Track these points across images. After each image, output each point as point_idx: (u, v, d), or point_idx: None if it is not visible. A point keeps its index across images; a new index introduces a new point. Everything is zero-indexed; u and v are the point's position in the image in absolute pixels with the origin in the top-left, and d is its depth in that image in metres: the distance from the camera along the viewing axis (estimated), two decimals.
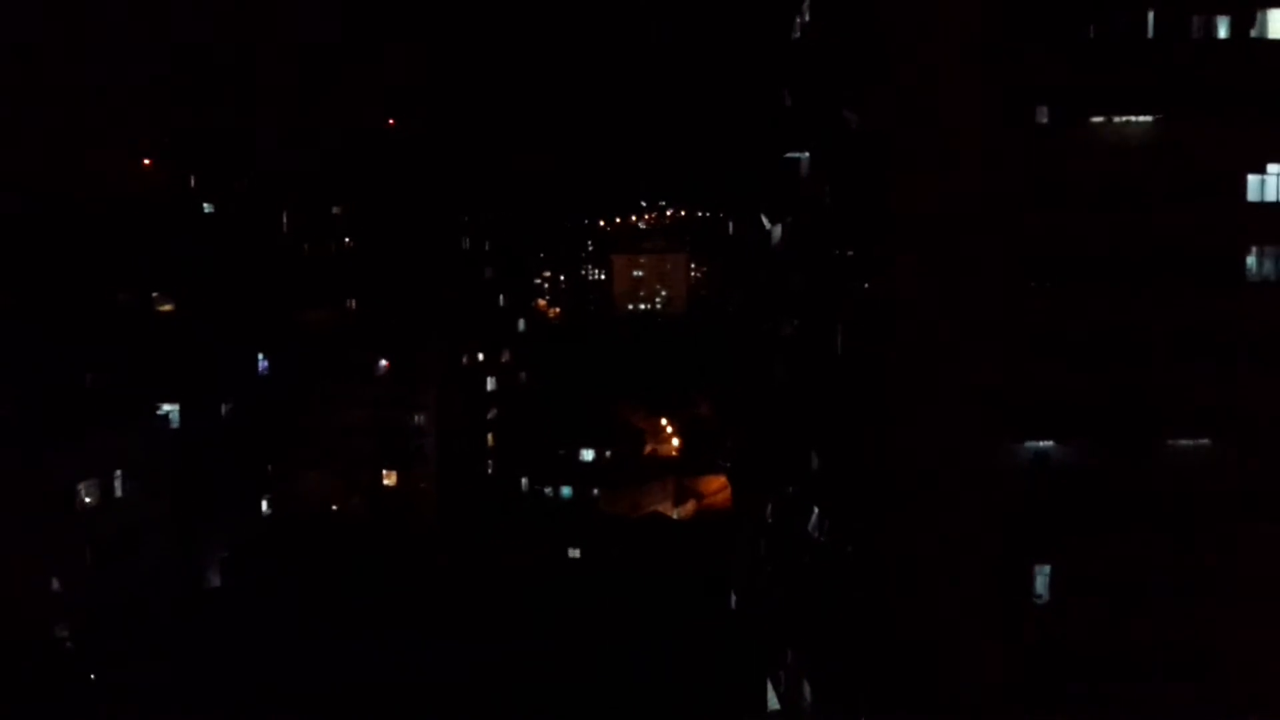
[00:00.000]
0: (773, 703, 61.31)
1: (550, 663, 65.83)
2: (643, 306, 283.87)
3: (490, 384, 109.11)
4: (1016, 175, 39.58)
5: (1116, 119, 39.92)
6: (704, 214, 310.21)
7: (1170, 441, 40.47)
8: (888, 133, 39.90)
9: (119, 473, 55.91)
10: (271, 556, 77.46)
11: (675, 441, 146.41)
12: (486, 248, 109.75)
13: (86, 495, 54.54)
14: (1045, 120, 40.03)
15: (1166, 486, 40.23)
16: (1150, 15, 39.84)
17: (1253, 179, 40.22)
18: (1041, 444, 40.44)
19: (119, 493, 56.07)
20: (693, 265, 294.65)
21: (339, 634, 66.49)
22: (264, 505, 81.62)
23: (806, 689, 52.80)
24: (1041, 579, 40.86)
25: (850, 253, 43.90)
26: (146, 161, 73.61)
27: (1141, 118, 39.89)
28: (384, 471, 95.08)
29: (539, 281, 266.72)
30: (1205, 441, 40.56)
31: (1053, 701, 40.84)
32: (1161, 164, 39.67)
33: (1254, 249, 40.50)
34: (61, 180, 66.88)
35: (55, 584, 53.27)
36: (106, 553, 55.15)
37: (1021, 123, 39.85)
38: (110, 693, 53.38)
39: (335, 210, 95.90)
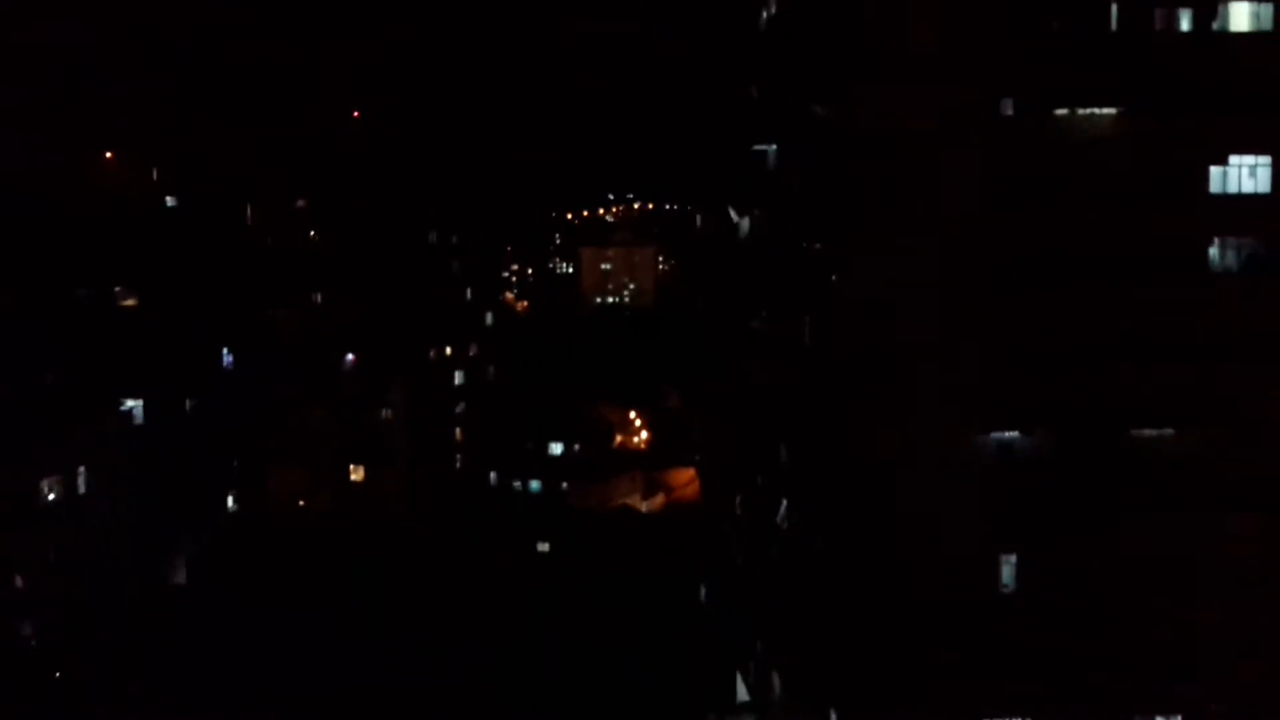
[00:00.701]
0: (742, 694, 61.49)
1: (517, 657, 65.83)
2: (611, 299, 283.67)
3: (458, 378, 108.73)
4: (984, 168, 39.76)
5: (1082, 112, 40.12)
6: (672, 207, 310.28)
7: (1137, 432, 40.75)
8: (855, 125, 39.98)
9: (82, 470, 55.41)
10: (238, 554, 76.98)
11: (644, 434, 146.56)
12: (453, 241, 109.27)
13: (49, 493, 54.00)
14: (1011, 113, 40.23)
15: (1133, 477, 40.55)
16: (1114, 10, 40.10)
17: (1215, 170, 40.59)
18: (1008, 435, 40.66)
19: (82, 490, 55.56)
20: (661, 258, 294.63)
21: (306, 632, 66.21)
22: (231, 502, 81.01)
23: (776, 680, 52.98)
24: (1008, 569, 41.11)
25: (818, 245, 43.98)
26: (108, 155, 72.84)
27: (1106, 110, 40.13)
28: (352, 467, 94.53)
29: (507, 275, 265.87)
30: (1169, 432, 40.91)
31: (1019, 693, 41.14)
32: (1126, 158, 39.93)
33: (1216, 241, 40.84)
34: (18, 174, 66.04)
35: (18, 582, 52.78)
36: (70, 551, 54.65)
37: (989, 115, 40.04)
38: (75, 692, 52.96)
39: (300, 204, 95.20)
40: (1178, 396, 40.38)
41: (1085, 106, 40.09)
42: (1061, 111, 40.26)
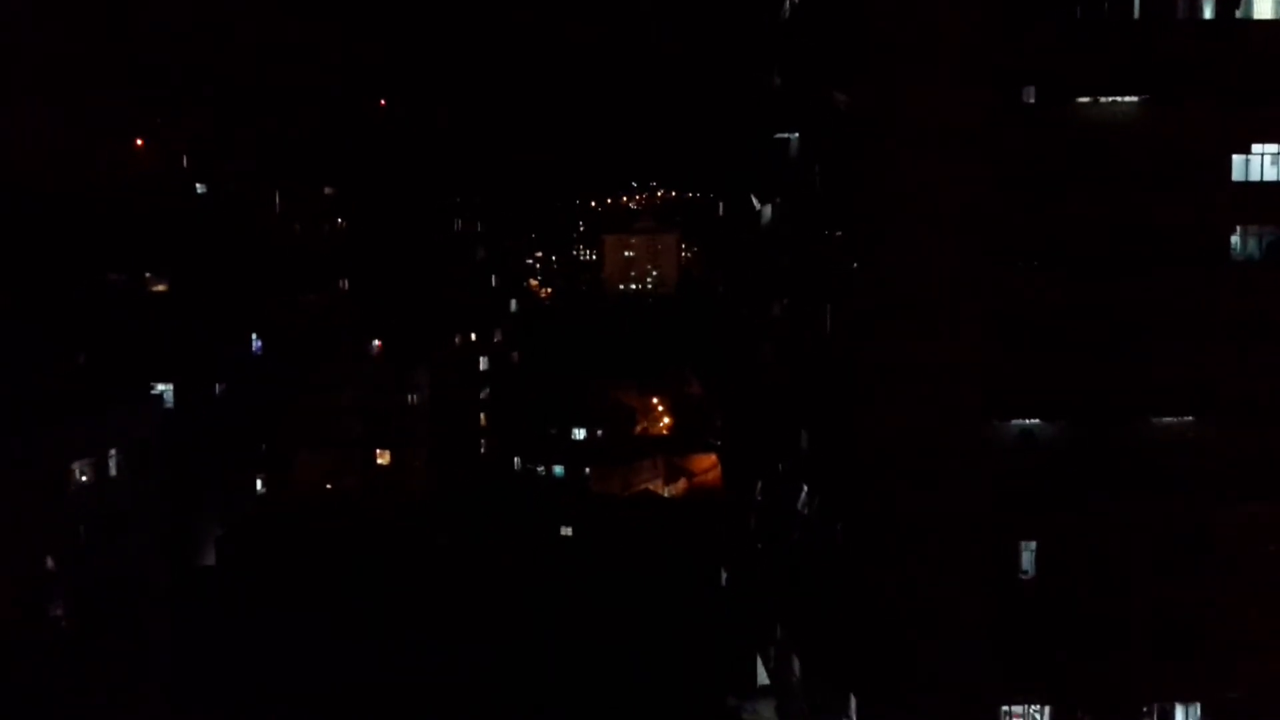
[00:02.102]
0: (762, 678, 61.88)
1: (543, 639, 66.39)
2: (634, 286, 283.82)
3: (483, 364, 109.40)
4: (1004, 156, 39.89)
5: (1101, 100, 40.17)
6: (695, 195, 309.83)
7: (1153, 420, 40.89)
8: (877, 114, 40.20)
9: (113, 452, 56.02)
10: (265, 535, 77.82)
11: (666, 420, 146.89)
12: (479, 228, 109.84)
13: (80, 474, 54.68)
14: (1032, 101, 40.33)
15: (1148, 464, 40.68)
16: None
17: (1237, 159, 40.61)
18: (1028, 422, 40.88)
19: (113, 472, 56.19)
20: (683, 245, 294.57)
21: (331, 614, 66.99)
22: (258, 484, 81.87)
23: (796, 664, 53.34)
24: (1028, 555, 41.34)
25: (839, 233, 44.22)
26: (139, 142, 73.56)
27: (1126, 98, 40.17)
28: (378, 451, 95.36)
29: (531, 262, 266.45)
30: (1188, 419, 41.02)
31: (1036, 679, 41.41)
32: (1149, 146, 39.97)
33: (1237, 229, 40.89)
34: (52, 160, 66.83)
35: (49, 563, 53.47)
36: (100, 531, 55.32)
37: (1009, 103, 40.15)
38: (105, 669, 53.70)
39: (327, 191, 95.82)
40: (1193, 384, 40.50)
41: (1107, 95, 40.12)
42: (1083, 100, 40.32)
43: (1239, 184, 40.62)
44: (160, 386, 67.06)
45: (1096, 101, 40.22)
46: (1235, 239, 41.01)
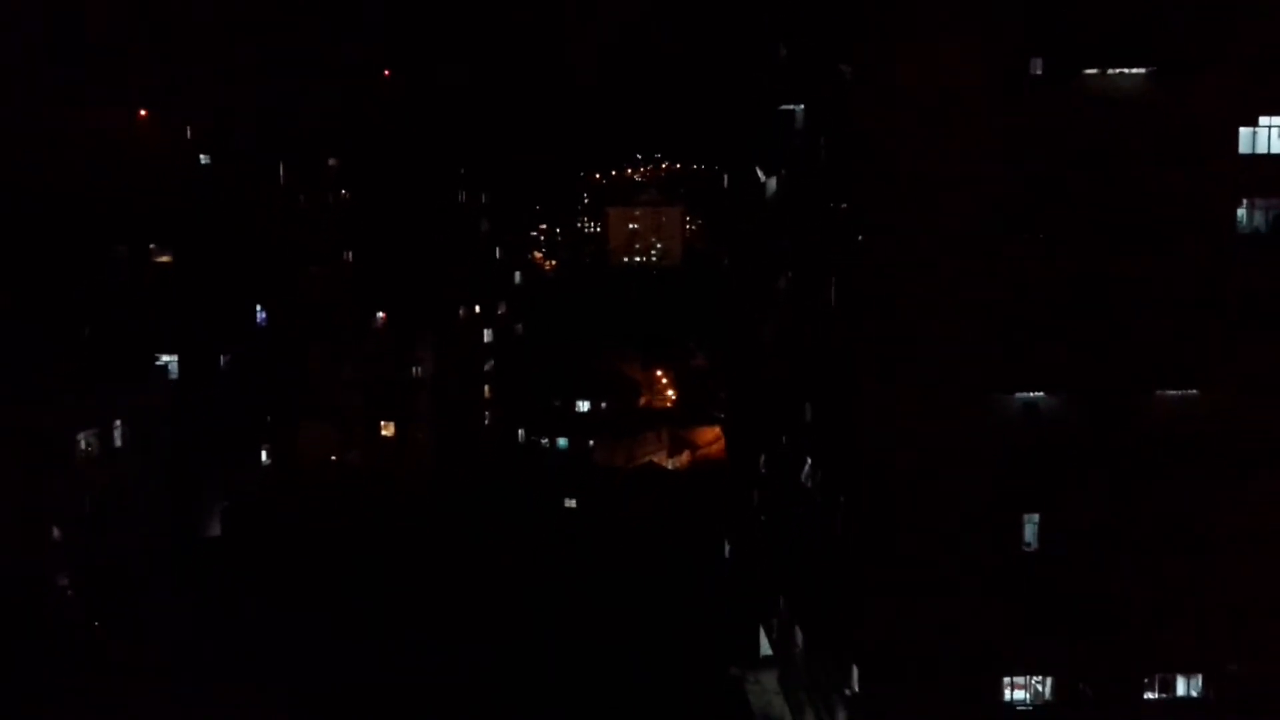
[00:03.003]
0: (765, 649, 62.21)
1: (546, 610, 66.70)
2: (638, 259, 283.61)
3: (487, 336, 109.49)
4: (1010, 128, 39.74)
5: (1108, 72, 39.98)
6: (699, 167, 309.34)
7: (1156, 393, 40.90)
8: (882, 85, 40.04)
9: (118, 423, 56.28)
10: (270, 506, 78.09)
11: (670, 393, 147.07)
12: (482, 200, 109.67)
13: (86, 445, 54.95)
14: (1039, 72, 40.13)
15: (1151, 436, 40.73)
16: None
17: (1245, 132, 40.42)
18: (1031, 395, 40.90)
19: (118, 443, 56.47)
20: (688, 218, 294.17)
21: (335, 587, 67.33)
22: (263, 456, 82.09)
23: (798, 635, 53.62)
24: (1030, 527, 41.45)
25: (844, 205, 44.15)
26: (142, 113, 73.37)
27: (1133, 70, 39.98)
28: (381, 423, 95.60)
29: (535, 234, 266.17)
30: (1192, 393, 41.02)
31: (1038, 652, 41.59)
32: (1151, 118, 39.82)
33: (1244, 202, 40.75)
34: (58, 129, 66.72)
35: (55, 532, 53.83)
36: (106, 502, 55.64)
37: (1015, 75, 39.97)
38: (110, 637, 54.08)
39: (331, 163, 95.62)
40: (1198, 357, 40.50)
41: (1114, 66, 39.93)
42: (1091, 71, 40.13)
43: (1246, 156, 40.44)
44: (165, 358, 67.20)
45: (1104, 73, 40.02)
46: (1242, 212, 40.87)
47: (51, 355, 60.13)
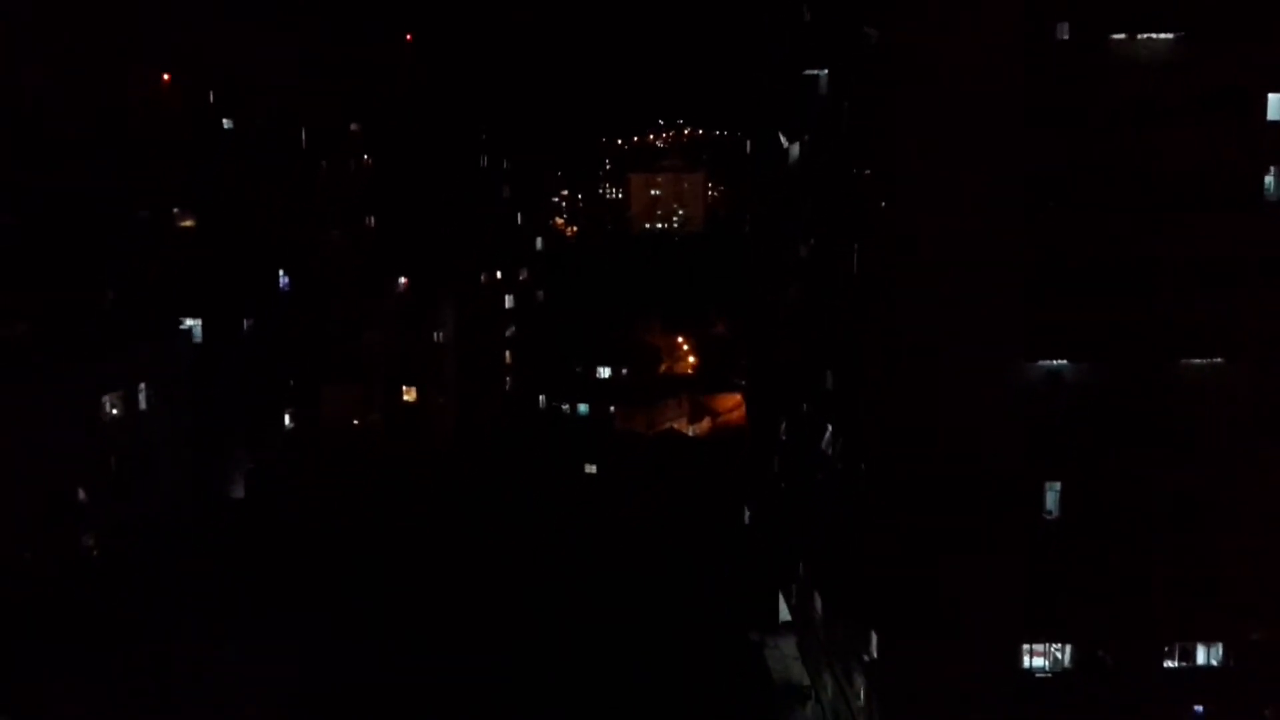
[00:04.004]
0: (784, 615, 62.51)
1: (568, 576, 67.10)
2: (660, 225, 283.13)
3: (508, 302, 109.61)
4: (1036, 93, 39.40)
5: (1136, 37, 39.56)
6: (722, 133, 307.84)
7: (1181, 362, 40.67)
8: (908, 49, 39.73)
9: (143, 386, 56.62)
10: (293, 469, 78.61)
11: (691, 359, 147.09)
12: (504, 166, 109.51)
13: (111, 408, 55.34)
14: (1066, 37, 39.75)
15: (1175, 406, 40.54)
16: None
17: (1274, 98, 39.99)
18: (1055, 364, 40.74)
19: (143, 406, 56.83)
20: (710, 184, 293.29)
21: (359, 545, 67.88)
22: (286, 419, 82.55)
23: (818, 602, 53.84)
24: (1052, 495, 41.39)
25: (868, 171, 43.92)
26: (165, 77, 73.33)
27: (1161, 35, 39.55)
28: (404, 388, 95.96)
29: (556, 200, 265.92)
30: (1217, 361, 40.78)
31: (1057, 619, 41.62)
32: (1178, 84, 39.41)
33: (1271, 170, 40.35)
34: (82, 94, 66.83)
35: (81, 494, 54.29)
36: (131, 464, 56.08)
37: (1042, 39, 39.60)
38: (137, 598, 54.61)
39: (353, 128, 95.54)
40: (1223, 327, 40.24)
41: (1141, 31, 39.49)
42: (1119, 37, 39.70)
43: (1274, 123, 40.05)
44: (189, 322, 67.51)
45: (1131, 39, 39.60)
46: (1269, 180, 40.51)
47: (77, 318, 60.48)
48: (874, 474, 43.62)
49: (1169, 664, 42.12)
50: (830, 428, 50.26)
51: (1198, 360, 40.68)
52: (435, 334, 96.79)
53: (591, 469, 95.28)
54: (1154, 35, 39.56)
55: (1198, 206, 39.87)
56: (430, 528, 72.95)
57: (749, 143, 74.54)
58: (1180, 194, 39.76)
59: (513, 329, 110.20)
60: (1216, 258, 39.90)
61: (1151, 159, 39.68)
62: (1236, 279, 39.98)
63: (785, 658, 59.80)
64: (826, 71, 50.37)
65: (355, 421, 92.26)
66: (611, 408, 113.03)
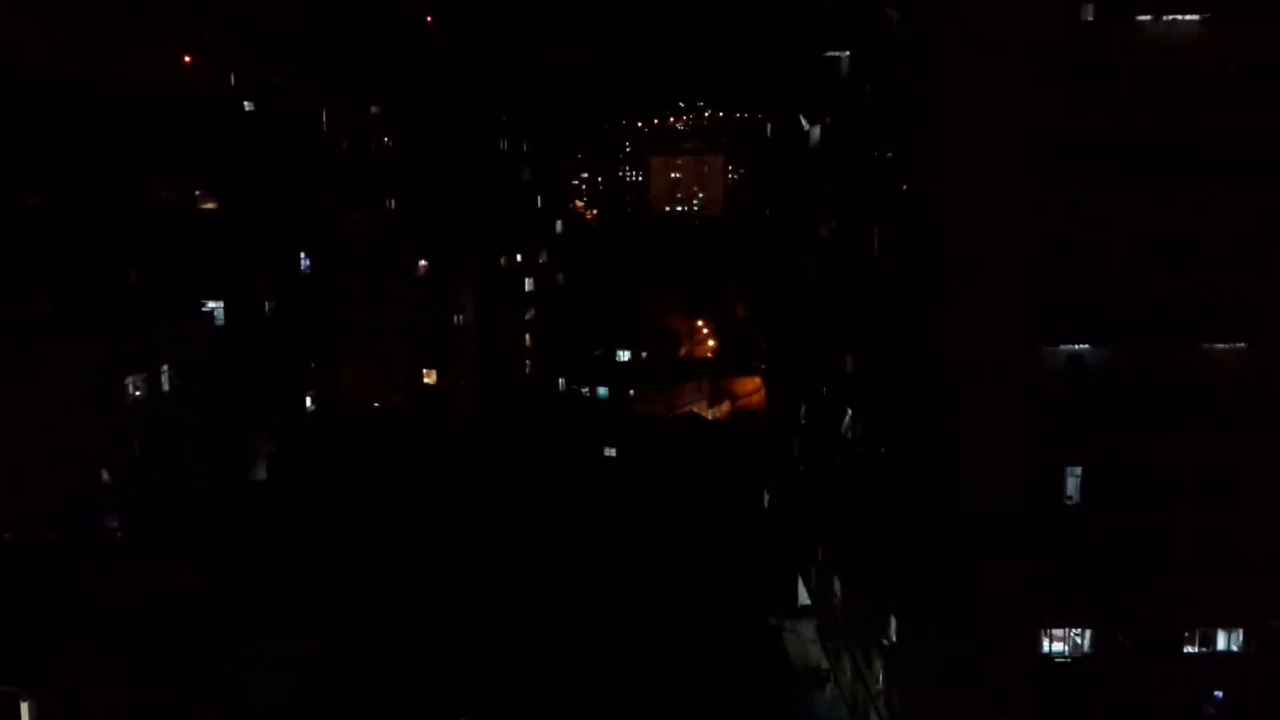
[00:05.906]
0: (803, 598, 62.56)
1: (587, 560, 67.23)
2: (680, 208, 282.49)
3: (528, 285, 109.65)
4: (1060, 75, 39.06)
5: (1166, 18, 39.18)
6: (742, 115, 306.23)
7: (1203, 345, 40.38)
8: (930, 30, 39.47)
9: (166, 368, 56.96)
10: (315, 450, 78.92)
11: (711, 343, 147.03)
12: (524, 148, 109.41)
13: (135, 389, 55.69)
14: (1091, 18, 39.40)
15: (1197, 389, 40.27)
16: None
17: None
18: (1077, 347, 40.51)
19: (166, 387, 57.18)
20: (730, 167, 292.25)
21: (381, 527, 68.13)
22: (308, 401, 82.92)
23: (837, 585, 53.85)
24: (1073, 481, 41.22)
25: (890, 154, 43.71)
26: (187, 59, 73.62)
27: (1188, 16, 39.16)
28: (424, 370, 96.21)
29: (576, 183, 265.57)
30: (1239, 345, 40.48)
31: (1076, 604, 41.50)
32: (1204, 64, 39.00)
33: None
34: (106, 77, 67.15)
35: (105, 475, 54.67)
36: (154, 445, 56.44)
37: (1067, 20, 39.25)
38: (155, 579, 54.99)
39: (374, 110, 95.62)
40: (1246, 308, 39.91)
41: (1168, 12, 39.11)
42: (1145, 17, 39.32)
43: None
44: (211, 304, 67.85)
45: (1157, 19, 39.22)
46: None
47: (99, 300, 60.85)
48: (894, 457, 43.54)
49: (1189, 649, 41.97)
50: (850, 411, 50.18)
51: (1221, 345, 40.35)
52: (456, 316, 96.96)
53: (611, 452, 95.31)
54: (1180, 16, 39.14)
55: (1224, 188, 39.46)
56: (451, 511, 73.12)
57: (769, 126, 74.27)
58: (1207, 175, 39.31)
59: (532, 312, 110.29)
60: (1242, 241, 39.50)
61: (1178, 139, 39.23)
62: (1263, 262, 39.62)
63: (804, 641, 59.87)
64: (848, 53, 50.12)
65: (376, 404, 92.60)
66: (631, 391, 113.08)
